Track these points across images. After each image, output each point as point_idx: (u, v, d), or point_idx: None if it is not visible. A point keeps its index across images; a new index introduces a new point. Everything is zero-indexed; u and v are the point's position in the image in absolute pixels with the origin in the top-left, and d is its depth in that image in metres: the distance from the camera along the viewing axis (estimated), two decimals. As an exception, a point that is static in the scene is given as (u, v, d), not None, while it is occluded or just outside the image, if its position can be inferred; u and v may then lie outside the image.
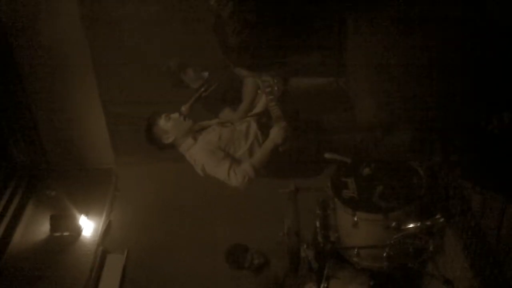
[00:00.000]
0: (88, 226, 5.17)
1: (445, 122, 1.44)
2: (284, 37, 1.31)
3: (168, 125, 3.47)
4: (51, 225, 5.07)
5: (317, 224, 3.51)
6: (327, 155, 3.28)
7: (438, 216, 3.10)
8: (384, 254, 3.18)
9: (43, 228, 5.09)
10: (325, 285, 3.49)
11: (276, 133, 3.30)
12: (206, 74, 4.08)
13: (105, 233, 5.21)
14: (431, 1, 1.31)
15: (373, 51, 1.36)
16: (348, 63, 1.37)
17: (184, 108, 3.52)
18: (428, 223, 3.06)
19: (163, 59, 4.19)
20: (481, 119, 1.59)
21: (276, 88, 3.31)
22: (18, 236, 4.99)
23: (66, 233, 5.08)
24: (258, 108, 3.70)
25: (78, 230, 5.11)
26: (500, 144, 1.60)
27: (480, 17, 1.30)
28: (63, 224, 5.08)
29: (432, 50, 1.31)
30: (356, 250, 3.28)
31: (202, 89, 3.58)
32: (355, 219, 3.16)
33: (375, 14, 1.31)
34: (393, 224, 3.07)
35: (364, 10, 1.33)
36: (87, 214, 5.21)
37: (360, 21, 1.35)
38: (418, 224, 3.05)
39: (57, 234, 5.07)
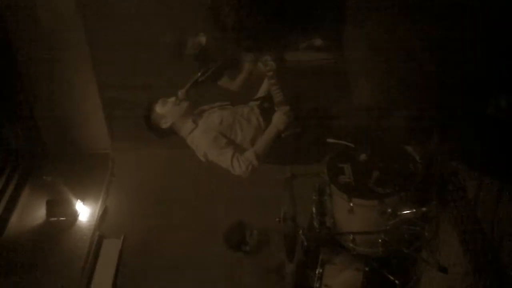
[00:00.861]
0: (84, 211, 5.18)
1: (442, 107, 1.43)
2: (283, 17, 1.29)
3: (164, 110, 3.44)
4: (47, 210, 5.07)
5: (313, 209, 3.51)
6: (330, 140, 3.27)
7: (433, 202, 3.12)
8: (380, 240, 3.18)
9: (39, 213, 5.10)
10: (321, 270, 3.51)
11: (278, 119, 3.27)
12: (203, 38, 4.05)
13: (102, 218, 5.22)
14: None
15: (372, 34, 1.34)
16: (346, 45, 1.36)
17: (180, 93, 3.49)
18: (424, 209, 3.07)
19: (160, 42, 4.15)
20: (479, 103, 1.59)
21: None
22: (14, 221, 5.00)
23: (62, 218, 5.08)
24: (260, 93, 3.67)
25: (74, 215, 5.11)
26: (497, 129, 1.59)
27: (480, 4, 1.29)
28: (59, 209, 5.08)
29: (432, 34, 1.29)
30: (351, 236, 3.28)
31: (199, 73, 3.55)
32: (351, 204, 3.16)
33: None
34: (389, 210, 3.08)
35: None
36: (83, 199, 5.22)
37: (360, 3, 1.33)
38: (414, 210, 3.05)
39: (53, 219, 5.08)
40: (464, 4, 1.28)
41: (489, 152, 1.55)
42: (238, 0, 1.28)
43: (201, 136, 3.36)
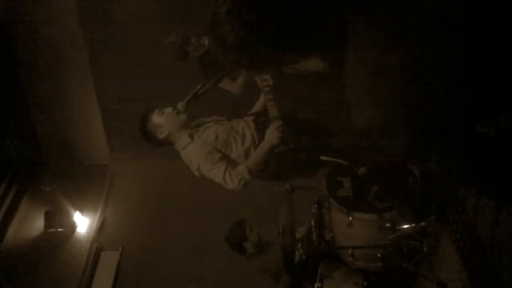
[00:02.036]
0: (82, 223, 5.17)
1: (442, 126, 1.43)
2: (283, 37, 1.29)
3: (161, 120, 3.46)
4: (46, 221, 5.06)
5: (312, 223, 3.50)
6: (323, 158, 3.27)
7: (432, 217, 3.10)
8: (379, 255, 3.17)
9: (38, 224, 5.09)
10: (319, 284, 3.49)
11: (271, 134, 3.28)
12: (206, 41, 4.05)
13: (100, 230, 5.20)
14: (430, 6, 1.30)
15: (371, 54, 1.34)
16: (346, 65, 1.35)
17: (180, 105, 3.50)
18: (423, 223, 3.06)
19: (165, 42, 4.14)
20: (478, 122, 1.58)
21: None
22: (12, 232, 4.99)
23: (60, 229, 5.07)
24: (256, 108, 3.68)
25: (72, 227, 5.10)
26: (496, 148, 1.58)
27: (479, 22, 1.29)
28: (58, 220, 5.07)
29: (431, 55, 1.29)
30: (350, 250, 3.27)
31: (199, 86, 3.55)
32: (350, 218, 3.14)
33: (375, 17, 1.30)
34: (388, 224, 3.06)
35: (364, 13, 1.31)
36: (81, 210, 5.20)
37: (359, 24, 1.33)
38: (413, 225, 3.04)
39: (51, 230, 5.07)
40: (462, 27, 1.28)
41: (488, 170, 1.54)
42: (239, 20, 1.28)
43: (195, 151, 3.37)
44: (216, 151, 3.32)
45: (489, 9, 1.29)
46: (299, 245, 3.46)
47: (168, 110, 3.49)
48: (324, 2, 1.31)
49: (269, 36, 1.31)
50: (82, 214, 5.19)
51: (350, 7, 1.34)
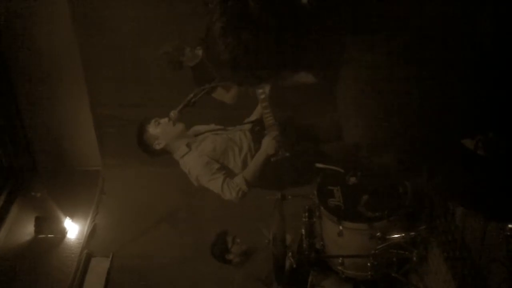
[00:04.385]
0: (73, 229, 5.15)
1: (431, 144, 1.44)
2: (278, 55, 1.30)
3: (157, 131, 3.44)
4: (36, 226, 5.04)
5: (303, 231, 3.51)
6: (319, 165, 3.29)
7: (422, 227, 3.13)
8: (368, 264, 3.19)
9: (28, 230, 5.07)
10: (310, 293, 3.50)
11: (267, 144, 3.29)
12: (200, 52, 4.06)
13: (90, 236, 5.19)
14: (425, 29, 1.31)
15: (363, 74, 1.35)
16: (338, 83, 1.37)
17: (173, 113, 3.49)
18: (413, 233, 3.08)
19: (159, 53, 4.16)
20: (467, 139, 1.60)
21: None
22: (2, 237, 4.95)
23: (50, 235, 5.06)
24: (253, 116, 3.70)
25: (63, 233, 5.08)
26: (485, 166, 1.60)
27: (475, 50, 1.31)
28: (48, 226, 5.05)
29: (423, 76, 1.31)
30: (340, 259, 3.29)
31: (192, 95, 3.55)
32: (340, 228, 3.16)
33: (370, 38, 1.31)
34: (378, 233, 3.09)
35: (360, 35, 1.32)
36: (72, 216, 5.19)
37: (354, 44, 1.34)
38: (403, 235, 3.07)
39: (42, 236, 5.05)
40: (455, 47, 1.30)
41: (476, 188, 1.55)
42: (234, 38, 1.28)
43: (194, 161, 3.37)
44: (214, 161, 3.33)
45: (488, 34, 1.30)
46: (290, 254, 3.47)
47: (164, 120, 3.47)
48: (320, 22, 1.32)
49: (264, 54, 1.31)
50: (72, 220, 5.17)
51: (346, 27, 1.35)
